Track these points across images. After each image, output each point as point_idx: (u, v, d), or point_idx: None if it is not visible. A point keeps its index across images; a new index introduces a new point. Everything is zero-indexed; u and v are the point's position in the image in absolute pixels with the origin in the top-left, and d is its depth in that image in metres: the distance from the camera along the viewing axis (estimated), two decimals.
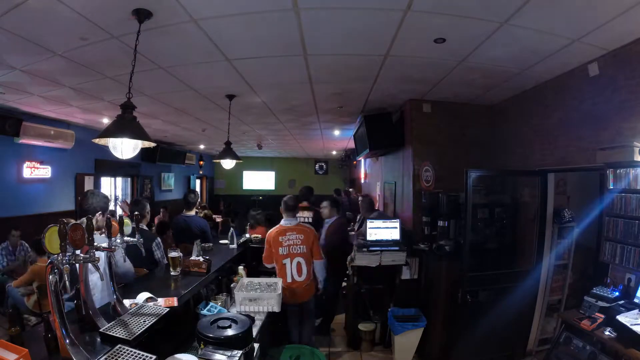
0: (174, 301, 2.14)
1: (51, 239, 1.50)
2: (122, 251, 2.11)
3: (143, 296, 2.11)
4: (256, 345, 2.23)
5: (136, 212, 2.51)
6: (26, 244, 4.87)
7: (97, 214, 2.24)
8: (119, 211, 6.62)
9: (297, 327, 3.35)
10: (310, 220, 4.62)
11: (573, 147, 3.12)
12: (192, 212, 4.41)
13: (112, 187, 7.99)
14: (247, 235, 4.36)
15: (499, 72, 3.27)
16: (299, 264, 3.29)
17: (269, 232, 3.41)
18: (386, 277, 4.10)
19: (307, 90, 4.04)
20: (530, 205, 3.75)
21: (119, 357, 1.54)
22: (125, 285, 2.38)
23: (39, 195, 5.57)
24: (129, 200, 7.71)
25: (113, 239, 1.93)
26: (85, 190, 6.35)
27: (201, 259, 2.82)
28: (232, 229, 4.07)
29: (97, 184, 6.94)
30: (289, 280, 3.26)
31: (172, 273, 2.68)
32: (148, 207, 3.58)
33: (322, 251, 3.48)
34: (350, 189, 10.23)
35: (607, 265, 2.69)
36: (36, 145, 5.38)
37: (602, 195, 2.76)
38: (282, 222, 3.40)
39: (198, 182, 12.91)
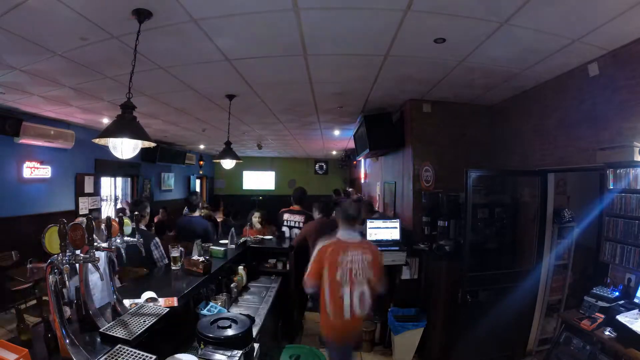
0: (174, 301, 2.14)
1: (51, 239, 1.50)
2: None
3: (146, 295, 2.12)
4: (256, 345, 2.23)
5: (136, 212, 2.52)
6: None
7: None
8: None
9: None
10: (301, 224, 4.47)
11: (573, 147, 3.12)
12: (196, 214, 4.46)
13: (112, 187, 7.98)
14: (246, 237, 4.31)
15: (499, 72, 3.27)
16: (362, 294, 2.53)
17: (321, 246, 2.57)
18: (386, 277, 4.09)
19: (307, 90, 4.04)
20: (530, 205, 3.75)
21: (119, 357, 1.54)
22: (124, 285, 2.39)
23: (39, 195, 5.56)
24: (129, 200, 7.72)
25: (113, 239, 1.94)
26: (86, 191, 6.41)
27: (201, 259, 2.83)
28: (232, 229, 4.07)
29: (97, 184, 6.92)
30: (347, 316, 2.47)
31: (173, 268, 2.82)
32: (148, 207, 3.59)
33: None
34: (350, 189, 10.19)
35: (607, 265, 2.69)
36: (36, 145, 5.37)
37: (602, 195, 2.76)
38: (341, 234, 2.62)
39: (198, 182, 12.88)
